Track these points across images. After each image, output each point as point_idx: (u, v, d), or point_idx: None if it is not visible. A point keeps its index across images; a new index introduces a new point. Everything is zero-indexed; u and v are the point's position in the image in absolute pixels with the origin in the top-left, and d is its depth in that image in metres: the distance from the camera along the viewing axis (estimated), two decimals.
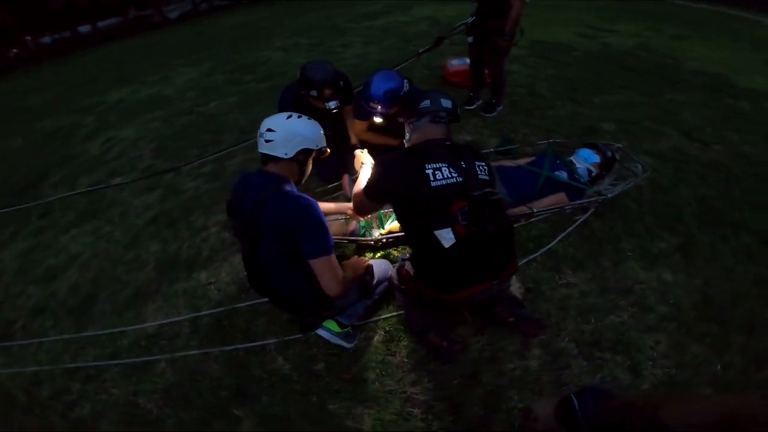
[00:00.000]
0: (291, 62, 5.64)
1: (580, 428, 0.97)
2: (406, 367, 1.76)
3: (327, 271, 1.43)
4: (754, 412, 0.73)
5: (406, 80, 2.24)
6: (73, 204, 3.36)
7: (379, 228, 2.24)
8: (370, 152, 2.21)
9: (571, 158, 2.51)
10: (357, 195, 1.70)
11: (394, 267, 1.92)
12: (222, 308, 2.12)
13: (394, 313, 1.95)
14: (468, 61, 3.64)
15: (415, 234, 1.46)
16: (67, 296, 2.46)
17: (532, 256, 2.14)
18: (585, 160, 2.44)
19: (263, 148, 1.52)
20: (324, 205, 1.73)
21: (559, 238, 2.19)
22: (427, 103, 1.59)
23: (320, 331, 1.75)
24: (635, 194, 2.53)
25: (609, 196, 2.24)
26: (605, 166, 2.48)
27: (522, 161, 2.54)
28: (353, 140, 2.60)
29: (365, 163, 1.99)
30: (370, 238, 2.16)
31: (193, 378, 1.86)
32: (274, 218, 1.42)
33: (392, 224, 2.20)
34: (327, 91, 2.17)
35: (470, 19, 3.03)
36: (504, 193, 2.13)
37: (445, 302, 1.52)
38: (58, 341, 2.14)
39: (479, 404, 1.61)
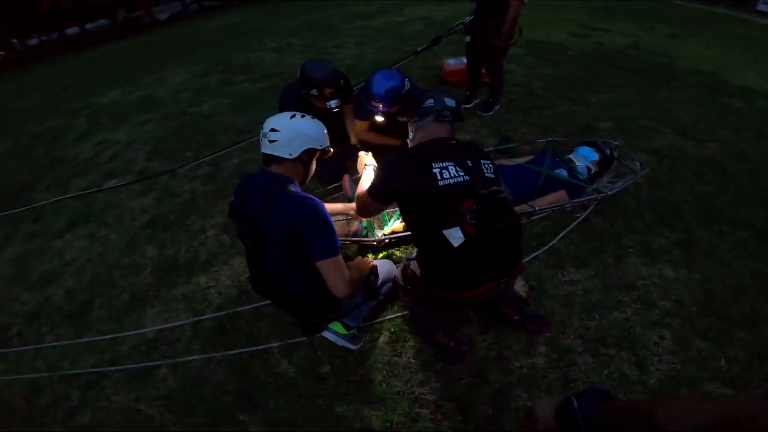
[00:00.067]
0: (285, 63, 5.61)
1: (579, 430, 0.98)
2: (413, 368, 1.75)
3: (334, 273, 1.41)
4: (753, 413, 0.74)
5: (407, 79, 2.23)
6: (66, 208, 3.30)
7: (381, 228, 2.23)
8: (371, 152, 2.20)
9: (570, 156, 2.52)
10: (361, 196, 1.68)
11: (398, 267, 1.91)
12: (224, 312, 2.09)
13: (399, 314, 1.94)
14: (464, 60, 3.65)
15: (423, 234, 1.45)
16: (62, 302, 2.41)
17: (534, 254, 2.14)
18: (584, 158, 2.46)
19: (266, 149, 1.50)
20: (330, 206, 1.71)
21: (561, 235, 2.20)
22: (431, 102, 1.58)
23: (326, 334, 1.73)
24: (634, 191, 2.55)
25: (609, 193, 2.26)
26: (604, 164, 2.50)
27: (521, 160, 2.55)
28: (353, 140, 2.58)
29: (368, 165, 1.98)
30: (372, 239, 2.14)
31: (195, 383, 1.83)
32: (280, 219, 1.39)
33: (395, 224, 2.19)
34: (327, 90, 2.15)
35: (468, 19, 3.03)
36: (506, 191, 2.13)
37: (452, 302, 1.51)
38: (55, 348, 2.09)
39: (487, 403, 1.60)
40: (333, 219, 1.46)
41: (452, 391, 1.66)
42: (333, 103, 2.18)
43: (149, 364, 1.92)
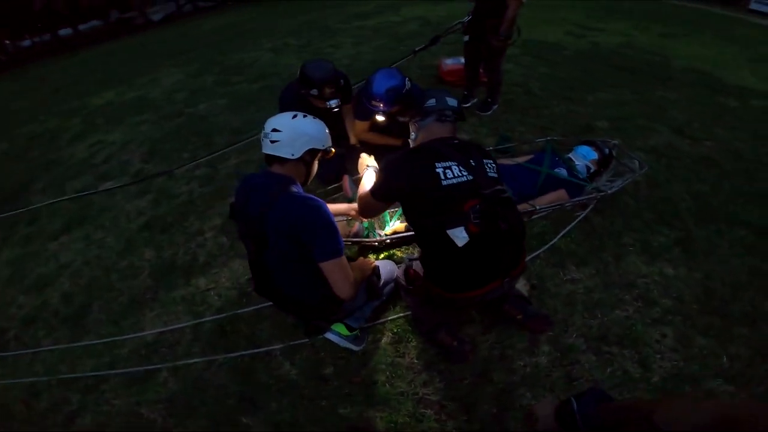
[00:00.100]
0: (281, 63, 5.59)
1: (579, 430, 0.99)
2: (416, 368, 1.75)
3: (338, 274, 1.40)
4: (752, 413, 0.74)
5: (407, 78, 2.23)
6: (61, 210, 3.26)
7: (382, 229, 2.22)
8: (370, 152, 2.19)
9: (570, 155, 2.53)
10: (363, 197, 1.67)
11: (399, 268, 1.90)
12: (224, 314, 2.07)
13: (402, 315, 1.93)
14: (462, 60, 3.65)
15: (426, 234, 1.44)
16: (59, 305, 2.38)
17: (535, 253, 2.14)
18: (584, 157, 2.47)
19: (268, 149, 1.48)
20: (331, 206, 1.70)
21: (561, 234, 2.20)
22: (432, 101, 1.58)
23: (329, 335, 1.72)
24: (632, 190, 2.56)
25: (609, 192, 2.26)
26: (603, 162, 2.51)
27: (521, 159, 2.55)
28: (352, 140, 2.57)
29: (369, 167, 1.97)
30: (373, 239, 2.14)
31: (197, 386, 1.81)
32: (282, 220, 1.38)
33: (395, 224, 2.19)
34: (327, 90, 2.14)
35: (467, 18, 3.03)
36: (510, 191, 2.14)
37: (456, 302, 1.51)
38: (53, 351, 2.06)
39: (492, 403, 1.60)
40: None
41: (456, 391, 1.65)
42: (333, 103, 2.17)
43: (149, 367, 1.90)
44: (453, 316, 1.84)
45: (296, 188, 1.48)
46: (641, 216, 2.38)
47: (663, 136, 3.20)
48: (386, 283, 1.85)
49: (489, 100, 3.40)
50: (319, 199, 1.43)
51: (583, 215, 2.28)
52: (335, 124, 2.42)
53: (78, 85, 6.89)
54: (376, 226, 2.22)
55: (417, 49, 3.42)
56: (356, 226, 2.17)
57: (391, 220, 2.25)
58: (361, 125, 2.49)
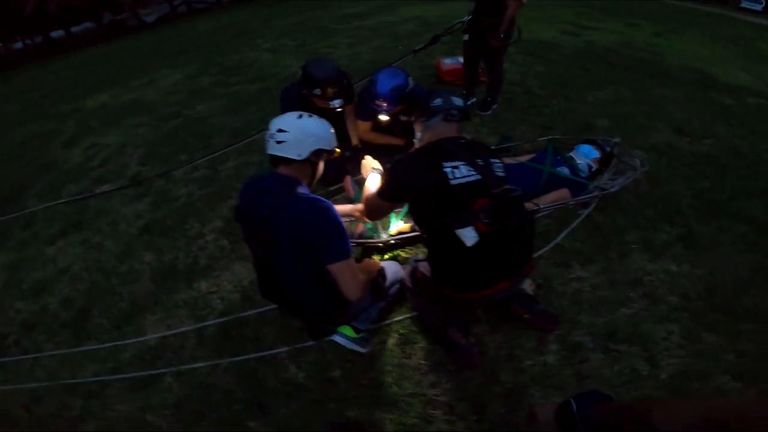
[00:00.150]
0: (279, 64, 5.56)
1: (578, 431, 0.99)
2: (423, 369, 1.73)
3: (347, 275, 1.38)
4: (743, 412, 0.76)
5: (410, 77, 2.22)
6: (57, 214, 3.21)
7: (386, 229, 2.21)
8: (372, 153, 2.18)
9: (571, 154, 2.54)
10: (370, 198, 1.66)
11: (404, 269, 1.89)
12: (229, 317, 2.05)
13: (408, 316, 1.92)
14: (461, 59, 3.65)
15: (435, 234, 1.43)
16: (59, 310, 2.35)
17: (540, 252, 2.14)
18: (585, 155, 2.47)
19: (274, 150, 1.46)
20: (337, 208, 1.69)
21: (565, 232, 2.20)
22: (439, 101, 1.57)
23: (336, 338, 1.70)
24: (633, 188, 2.57)
25: (613, 190, 2.27)
26: (604, 161, 2.52)
27: (523, 158, 2.56)
28: (354, 141, 2.56)
29: (374, 169, 1.95)
30: (378, 240, 2.12)
31: (203, 391, 1.79)
32: (289, 222, 1.37)
33: (400, 225, 2.17)
34: (330, 90, 2.12)
35: (467, 18, 3.03)
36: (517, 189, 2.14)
37: (465, 302, 1.50)
38: (55, 356, 2.03)
39: (501, 403, 1.59)
40: None
41: (465, 391, 1.64)
42: (336, 103, 2.15)
43: (153, 372, 1.87)
44: (460, 315, 1.83)
45: (303, 189, 1.47)
46: (643, 213, 2.39)
47: (662, 134, 3.22)
48: (392, 284, 1.84)
49: (489, 99, 3.40)
50: (326, 200, 1.42)
51: (586, 213, 2.29)
52: (337, 124, 2.40)
53: (71, 87, 6.81)
54: (380, 227, 2.20)
55: (417, 48, 3.41)
56: (360, 227, 2.16)
57: (395, 219, 2.23)
58: (363, 125, 2.48)
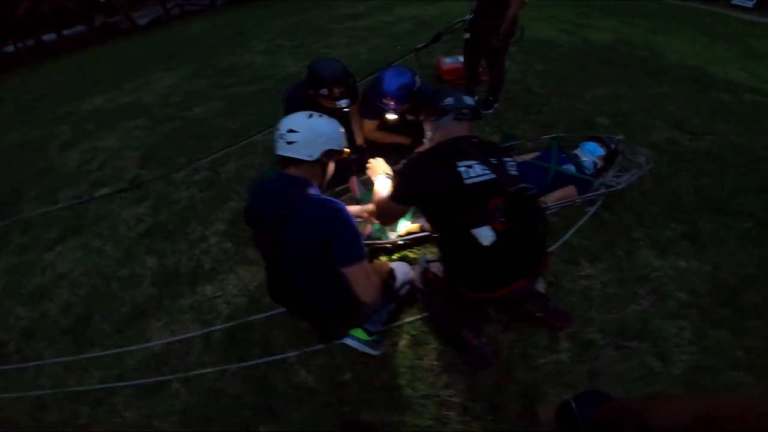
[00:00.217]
0: (276, 65, 5.53)
1: (579, 430, 1.01)
2: (436, 370, 1.72)
3: (362, 278, 1.36)
4: (737, 410, 0.77)
5: (417, 76, 2.21)
6: (56, 219, 3.16)
7: (393, 230, 2.19)
8: (378, 152, 2.16)
9: (576, 151, 2.54)
10: (381, 202, 1.64)
11: (414, 269, 1.88)
12: (236, 321, 2.02)
13: (419, 317, 1.90)
14: (461, 59, 3.65)
15: (449, 233, 1.42)
16: (59, 316, 2.31)
17: (548, 250, 2.13)
18: (591, 153, 2.48)
19: (284, 151, 1.44)
20: (350, 208, 1.67)
21: (573, 229, 2.20)
22: (450, 100, 1.56)
23: (348, 340, 1.69)
24: (638, 185, 2.57)
25: (620, 187, 2.27)
26: (609, 158, 2.52)
27: (528, 156, 2.55)
28: (359, 140, 2.54)
29: (381, 174, 1.92)
30: (386, 241, 2.11)
31: (211, 397, 1.76)
32: (302, 224, 1.34)
33: (408, 225, 2.16)
34: (337, 90, 2.10)
35: (469, 17, 3.03)
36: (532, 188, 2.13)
37: (480, 301, 1.49)
38: (58, 363, 1.99)
39: (516, 402, 1.58)
40: None
41: (479, 391, 1.64)
42: (343, 103, 2.13)
43: (160, 378, 1.84)
44: (472, 315, 1.82)
45: (314, 190, 1.45)
46: (649, 210, 2.39)
47: (663, 131, 3.24)
48: (401, 285, 1.83)
49: (490, 98, 3.40)
50: (339, 201, 1.40)
51: (593, 210, 2.28)
52: (342, 124, 2.38)
53: (65, 90, 6.72)
54: (387, 228, 2.19)
55: (418, 47, 3.40)
56: (368, 228, 2.14)
57: (402, 221, 2.22)
58: (369, 124, 2.46)
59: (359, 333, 1.68)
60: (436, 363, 1.74)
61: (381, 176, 1.81)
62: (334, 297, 1.49)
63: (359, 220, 2.08)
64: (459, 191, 1.33)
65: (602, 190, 2.32)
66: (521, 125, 3.29)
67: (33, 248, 2.90)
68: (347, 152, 1.61)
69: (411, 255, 2.21)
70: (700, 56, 4.97)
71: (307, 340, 1.89)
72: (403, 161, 2.31)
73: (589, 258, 2.11)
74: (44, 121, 5.38)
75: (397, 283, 1.78)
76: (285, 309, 1.85)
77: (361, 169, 2.54)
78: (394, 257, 2.19)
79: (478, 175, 1.35)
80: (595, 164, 2.47)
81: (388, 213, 1.63)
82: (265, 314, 2.01)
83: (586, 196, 2.28)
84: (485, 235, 1.29)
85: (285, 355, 1.84)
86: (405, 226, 2.15)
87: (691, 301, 1.89)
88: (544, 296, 1.81)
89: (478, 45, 3.12)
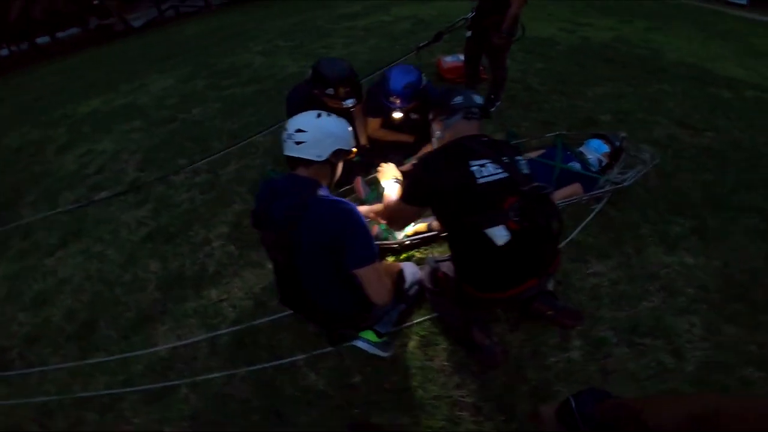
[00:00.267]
0: (274, 65, 5.49)
1: (578, 428, 1.00)
2: (447, 371, 1.71)
3: (374, 280, 1.34)
4: (730, 408, 0.76)
5: (423, 74, 2.20)
6: (56, 223, 3.12)
7: (401, 230, 2.17)
8: (382, 150, 2.15)
9: (581, 149, 2.53)
10: (392, 206, 1.63)
11: (423, 269, 1.86)
12: (242, 325, 2.00)
13: (428, 317, 1.89)
14: (461, 57, 3.64)
15: (462, 233, 1.41)
16: (63, 322, 2.27)
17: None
18: (596, 150, 2.47)
19: (293, 151, 1.42)
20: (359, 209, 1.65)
21: (580, 227, 2.19)
22: (459, 99, 1.55)
23: (358, 343, 1.67)
24: (643, 181, 2.57)
25: (627, 184, 2.27)
26: (614, 155, 2.52)
27: (532, 154, 2.54)
28: (362, 140, 2.52)
29: (390, 179, 1.91)
30: (393, 242, 2.09)
31: (219, 402, 1.74)
32: (314, 226, 1.32)
33: (416, 225, 2.14)
34: (343, 90, 2.08)
35: (471, 15, 3.01)
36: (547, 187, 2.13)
37: (490, 301, 1.48)
38: (64, 369, 1.96)
39: (528, 401, 1.57)
40: None
41: (491, 391, 1.62)
42: (349, 103, 2.11)
43: (168, 383, 1.81)
44: (481, 314, 1.81)
45: (323, 191, 1.43)
46: (655, 207, 2.39)
47: (665, 128, 3.24)
48: (411, 285, 1.81)
49: (492, 96, 3.39)
50: (350, 202, 1.38)
51: (599, 207, 2.28)
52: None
53: (60, 93, 6.65)
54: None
55: (420, 45, 3.39)
56: (375, 228, 2.12)
57: None
58: (373, 122, 2.45)
59: (369, 335, 1.66)
60: (446, 363, 1.73)
61: (390, 181, 1.79)
62: (345, 299, 1.47)
63: (366, 220, 2.07)
64: (472, 191, 1.32)
65: (608, 187, 2.31)
66: (523, 123, 3.29)
67: (33, 253, 2.86)
68: (355, 152, 1.59)
69: (418, 255, 2.19)
70: (698, 54, 4.98)
71: (315, 343, 1.87)
72: (413, 161, 2.30)
73: (597, 255, 2.10)
74: (40, 124, 5.32)
75: (407, 284, 1.76)
76: (292, 312, 1.83)
77: (366, 169, 2.54)
78: (401, 257, 2.17)
79: (491, 174, 1.34)
80: (600, 161, 2.47)
81: (398, 216, 1.61)
82: (271, 317, 1.99)
83: (592, 193, 2.27)
84: (500, 234, 1.28)
85: (293, 359, 1.82)
86: (412, 225, 2.13)
87: (701, 296, 1.89)
88: (553, 295, 1.80)
89: (480, 43, 3.11)
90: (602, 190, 2.30)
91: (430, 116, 1.65)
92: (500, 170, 1.36)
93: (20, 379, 1.99)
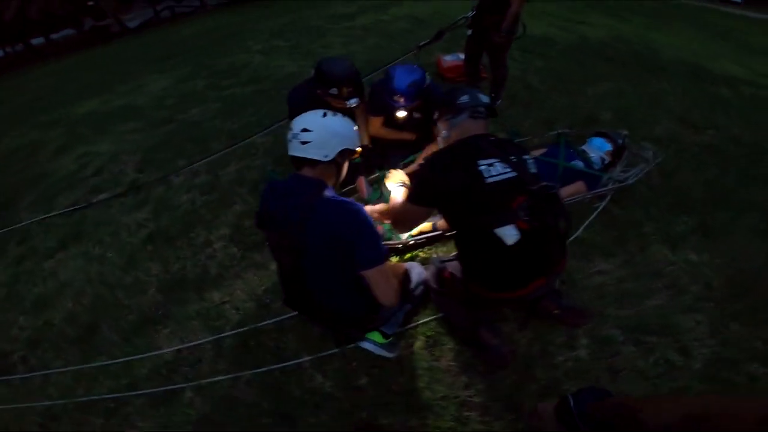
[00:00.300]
0: (273, 65, 5.46)
1: (577, 427, 1.01)
2: (454, 371, 1.70)
3: (383, 280, 1.33)
4: (724, 409, 0.77)
5: (426, 73, 2.19)
6: (54, 226, 3.08)
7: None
8: (383, 149, 2.13)
9: (584, 147, 2.53)
10: (399, 209, 1.62)
11: (428, 269, 1.85)
12: (247, 327, 1.98)
13: (433, 317, 1.88)
14: (461, 56, 3.63)
15: (470, 233, 1.40)
16: (64, 325, 2.24)
17: None
18: (599, 148, 2.48)
19: (298, 151, 1.40)
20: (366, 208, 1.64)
21: (584, 225, 2.19)
22: (465, 98, 1.54)
23: (364, 344, 1.66)
24: (645, 179, 2.57)
25: (630, 182, 2.27)
26: (617, 153, 2.52)
27: (535, 153, 2.54)
28: (364, 140, 2.51)
29: (397, 183, 1.89)
30: (397, 242, 2.08)
31: (225, 405, 1.72)
32: (321, 227, 1.31)
33: (420, 225, 2.13)
34: (346, 90, 2.06)
35: (471, 13, 3.01)
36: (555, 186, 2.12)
37: (499, 301, 1.47)
38: (67, 373, 1.94)
39: (536, 400, 1.56)
40: None
41: (499, 391, 1.62)
42: (353, 102, 2.10)
43: (173, 387, 1.79)
44: (488, 314, 1.80)
45: (330, 192, 1.41)
46: (658, 204, 2.40)
47: (666, 125, 3.25)
48: (416, 285, 1.80)
49: (492, 95, 3.38)
50: (356, 202, 1.37)
51: (602, 205, 2.28)
52: None
53: (56, 94, 6.59)
54: None
55: (421, 44, 3.37)
56: (379, 228, 2.11)
57: None
58: (375, 121, 2.43)
59: (376, 336, 1.65)
60: (453, 364, 1.72)
61: (396, 185, 1.78)
62: (352, 300, 1.46)
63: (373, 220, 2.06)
64: (480, 190, 1.31)
65: (611, 185, 2.31)
66: (524, 122, 3.29)
67: (31, 257, 2.83)
68: (359, 152, 1.58)
69: (422, 254, 2.18)
70: (695, 52, 5.01)
71: (320, 345, 1.85)
72: (419, 161, 2.30)
73: (601, 254, 2.10)
74: (36, 125, 5.27)
75: (412, 284, 1.76)
76: (296, 313, 1.81)
77: (368, 168, 2.52)
78: (405, 257, 2.17)
79: (500, 174, 1.33)
80: (603, 160, 2.47)
81: (405, 218, 1.60)
82: (275, 319, 1.97)
83: (599, 190, 2.27)
84: (510, 234, 1.27)
85: (299, 360, 1.81)
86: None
87: (707, 294, 1.89)
88: (559, 293, 1.80)
89: (481, 42, 3.11)
90: (605, 189, 2.30)
91: (436, 115, 1.64)
92: (508, 169, 1.35)
93: (23, 382, 1.96)
